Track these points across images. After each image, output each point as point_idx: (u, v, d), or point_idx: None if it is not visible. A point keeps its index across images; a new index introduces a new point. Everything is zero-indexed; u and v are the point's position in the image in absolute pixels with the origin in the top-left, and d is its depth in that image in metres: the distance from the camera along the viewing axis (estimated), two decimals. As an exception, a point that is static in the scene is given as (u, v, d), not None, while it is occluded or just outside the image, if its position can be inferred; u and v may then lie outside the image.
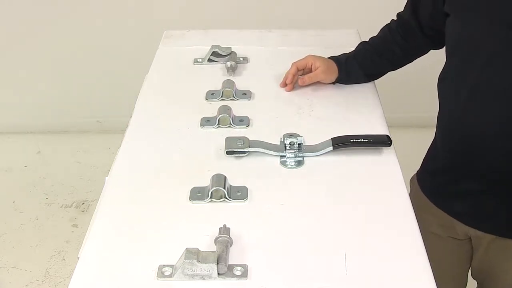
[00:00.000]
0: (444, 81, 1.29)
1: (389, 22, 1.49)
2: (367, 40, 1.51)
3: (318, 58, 1.47)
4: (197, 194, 1.13)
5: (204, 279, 0.95)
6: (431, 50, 1.43)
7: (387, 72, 1.51)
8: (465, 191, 1.28)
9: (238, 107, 1.40)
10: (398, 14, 1.46)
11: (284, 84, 1.50)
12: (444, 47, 1.29)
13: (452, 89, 1.25)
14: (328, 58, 1.49)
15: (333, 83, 1.50)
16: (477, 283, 1.44)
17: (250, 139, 1.25)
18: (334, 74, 1.47)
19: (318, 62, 1.46)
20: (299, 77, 1.49)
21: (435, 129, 1.35)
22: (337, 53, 1.51)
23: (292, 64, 1.48)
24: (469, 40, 1.18)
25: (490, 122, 1.17)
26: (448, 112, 1.27)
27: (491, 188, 1.23)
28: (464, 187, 1.27)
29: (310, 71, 1.48)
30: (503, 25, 1.12)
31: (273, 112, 1.41)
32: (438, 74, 1.31)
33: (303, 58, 1.48)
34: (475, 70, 1.18)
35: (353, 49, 1.51)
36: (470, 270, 1.43)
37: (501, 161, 1.19)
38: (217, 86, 1.49)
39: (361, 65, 1.47)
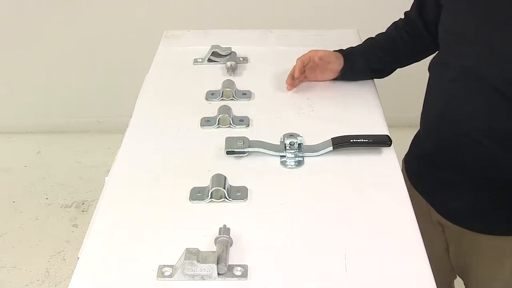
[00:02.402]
0: (434, 69, 1.32)
1: (395, 20, 1.50)
2: (373, 36, 1.52)
3: (317, 50, 1.47)
4: (197, 194, 1.13)
5: (204, 279, 0.95)
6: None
7: (393, 70, 1.51)
8: (439, 179, 1.31)
9: (238, 107, 1.40)
10: (405, 13, 1.48)
11: (291, 79, 1.46)
12: None
13: (438, 79, 1.28)
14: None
15: (336, 78, 1.49)
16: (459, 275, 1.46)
17: (250, 139, 1.25)
18: (340, 59, 1.46)
19: (321, 51, 1.46)
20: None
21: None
22: (337, 53, 1.51)
23: (297, 60, 1.46)
24: (457, 33, 1.21)
25: (469, 114, 1.20)
26: (433, 100, 1.30)
27: (464, 180, 1.26)
28: (438, 175, 1.30)
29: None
30: (491, 21, 1.14)
31: (273, 112, 1.41)
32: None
33: (306, 53, 1.47)
34: (460, 62, 1.20)
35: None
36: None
37: (475, 153, 1.21)
38: (217, 86, 1.49)
39: (366, 59, 1.47)
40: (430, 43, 1.41)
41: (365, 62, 1.47)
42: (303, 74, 1.47)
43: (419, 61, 1.50)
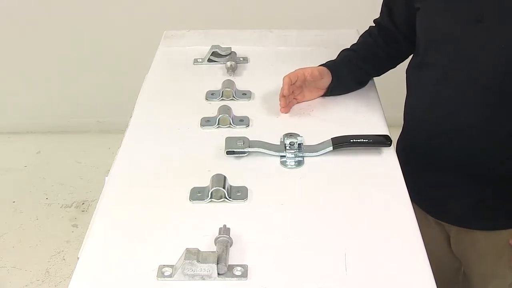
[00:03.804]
0: (413, 70, 1.33)
1: (366, 29, 1.49)
2: (348, 47, 1.49)
3: (306, 68, 1.40)
4: (197, 194, 1.13)
5: (204, 279, 0.95)
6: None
7: (370, 79, 1.49)
8: (429, 183, 1.32)
9: (238, 107, 1.40)
10: (375, 21, 1.47)
11: (284, 99, 1.37)
12: None
13: (421, 80, 1.29)
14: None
15: (324, 95, 1.43)
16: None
17: (250, 139, 1.25)
18: (328, 74, 1.40)
19: (308, 68, 1.39)
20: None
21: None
22: (337, 53, 1.51)
23: (284, 77, 1.37)
24: (437, 32, 1.22)
25: (456, 111, 1.21)
26: (417, 99, 1.32)
27: (455, 180, 1.27)
28: (428, 179, 1.32)
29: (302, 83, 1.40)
30: (469, 17, 1.16)
31: (273, 112, 1.41)
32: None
33: (293, 71, 1.38)
34: (442, 61, 1.22)
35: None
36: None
37: (465, 151, 1.23)
38: (217, 86, 1.49)
39: (350, 71, 1.43)
40: (405, 47, 1.42)
41: (350, 74, 1.43)
42: (292, 94, 1.38)
43: (395, 66, 1.48)
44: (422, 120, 1.30)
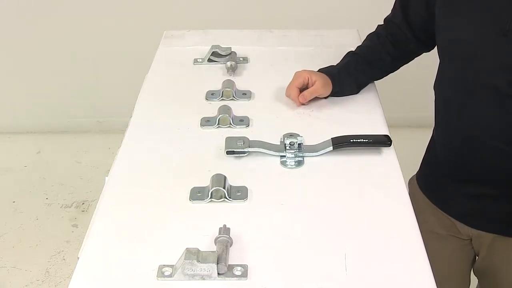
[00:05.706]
0: (440, 83, 1.30)
1: (375, 28, 1.48)
2: (354, 50, 1.48)
3: (312, 72, 1.41)
4: (197, 194, 1.13)
5: (204, 279, 0.95)
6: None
7: (373, 82, 1.49)
8: (466, 194, 1.29)
9: (238, 107, 1.40)
10: (386, 20, 1.45)
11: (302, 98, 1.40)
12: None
13: (448, 91, 1.26)
14: (318, 71, 1.43)
15: (326, 97, 1.44)
16: (478, 281, 1.45)
17: (250, 139, 1.25)
18: (330, 87, 1.41)
19: (314, 76, 1.39)
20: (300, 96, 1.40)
21: (432, 132, 1.36)
22: (337, 53, 1.51)
23: (292, 88, 1.40)
24: (461, 45, 1.19)
25: (487, 124, 1.19)
26: (445, 114, 1.28)
27: (493, 190, 1.24)
28: (465, 190, 1.29)
29: (307, 87, 1.41)
30: (494, 31, 1.13)
31: (273, 112, 1.41)
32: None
33: (298, 77, 1.39)
34: (469, 73, 1.19)
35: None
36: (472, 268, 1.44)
37: (499, 162, 1.20)
38: (217, 86, 1.49)
39: (354, 78, 1.44)
40: (416, 48, 1.41)
41: (354, 82, 1.43)
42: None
43: (398, 69, 1.47)
44: (451, 134, 1.27)
